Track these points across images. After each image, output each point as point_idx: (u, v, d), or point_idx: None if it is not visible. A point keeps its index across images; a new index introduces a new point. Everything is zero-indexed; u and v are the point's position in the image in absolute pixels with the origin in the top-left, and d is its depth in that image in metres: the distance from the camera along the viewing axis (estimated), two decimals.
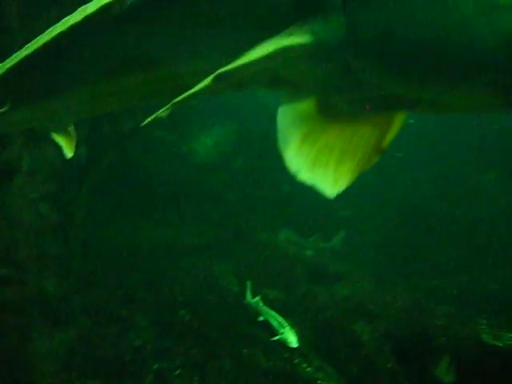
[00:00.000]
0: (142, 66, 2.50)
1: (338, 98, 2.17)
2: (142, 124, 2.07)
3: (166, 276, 7.73)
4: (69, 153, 3.32)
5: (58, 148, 3.36)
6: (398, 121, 2.23)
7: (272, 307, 6.75)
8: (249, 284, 7.05)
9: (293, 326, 6.50)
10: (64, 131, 3.26)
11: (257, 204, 9.09)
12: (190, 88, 2.08)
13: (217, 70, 2.00)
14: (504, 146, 8.29)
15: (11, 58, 2.85)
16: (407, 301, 6.75)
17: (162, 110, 2.04)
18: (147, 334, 6.57)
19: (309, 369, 6.25)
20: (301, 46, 1.92)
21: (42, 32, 2.77)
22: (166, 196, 9.28)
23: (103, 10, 2.54)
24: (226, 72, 1.94)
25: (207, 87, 1.96)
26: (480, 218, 8.68)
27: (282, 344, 6.37)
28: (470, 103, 1.92)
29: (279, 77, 2.16)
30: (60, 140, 3.35)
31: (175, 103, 2.02)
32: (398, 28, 1.78)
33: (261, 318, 6.72)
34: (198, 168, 9.93)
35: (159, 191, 9.34)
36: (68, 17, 2.66)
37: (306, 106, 2.25)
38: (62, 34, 2.62)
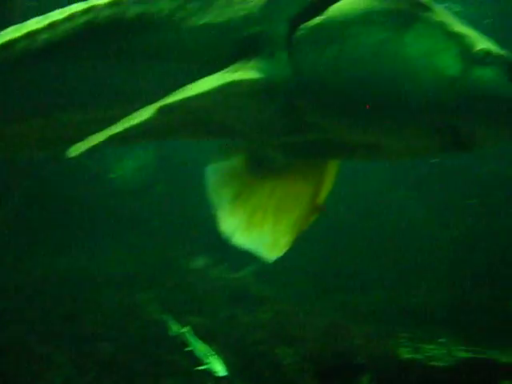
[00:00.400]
0: (43, 111, 2.41)
1: (274, 146, 2.14)
2: (72, 155, 1.96)
3: (88, 307, 7.54)
4: None
5: None
6: (331, 175, 2.25)
7: (196, 334, 6.70)
8: (169, 316, 6.95)
9: (218, 353, 6.47)
10: None
11: (179, 230, 9.02)
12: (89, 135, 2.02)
13: (119, 118, 1.97)
14: (417, 164, 8.58)
15: None
16: (327, 321, 6.87)
17: (94, 141, 1.93)
18: (67, 370, 6.38)
19: None
20: (248, 82, 1.92)
21: None
22: (87, 223, 9.08)
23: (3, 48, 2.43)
24: (170, 104, 1.89)
25: (150, 119, 1.88)
26: (399, 233, 8.92)
27: (207, 372, 6.33)
28: (408, 147, 1.98)
29: (218, 122, 2.11)
30: None
31: (112, 135, 1.91)
32: (343, 69, 1.83)
33: (187, 348, 6.64)
34: (120, 193, 9.77)
35: (79, 218, 9.12)
36: None
37: (236, 162, 2.23)
38: None
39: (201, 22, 2.07)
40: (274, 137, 2.08)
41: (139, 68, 2.16)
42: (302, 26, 1.91)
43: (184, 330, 6.75)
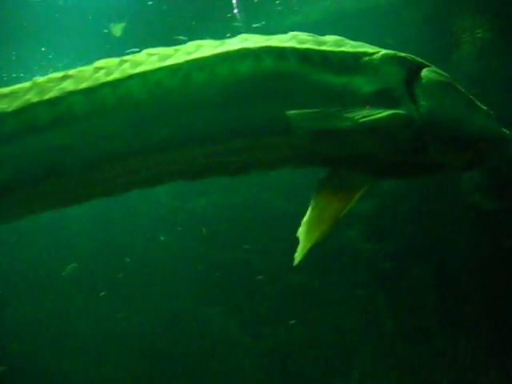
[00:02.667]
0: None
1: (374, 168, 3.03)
2: None
3: None
4: None
5: None
6: (357, 198, 3.06)
7: None
8: None
9: None
10: None
11: None
12: None
13: None
14: (225, 279, 8.75)
15: None
16: None
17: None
18: None
19: None
20: (401, 116, 2.85)
21: None
22: None
23: None
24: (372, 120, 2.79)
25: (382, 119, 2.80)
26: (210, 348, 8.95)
27: None
28: (456, 163, 3.07)
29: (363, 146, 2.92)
30: None
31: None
32: (444, 113, 2.91)
33: None
34: None
35: None
36: None
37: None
38: None
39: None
40: (398, 155, 2.98)
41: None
42: (414, 85, 2.96)
43: None
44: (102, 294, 8.99)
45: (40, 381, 8.48)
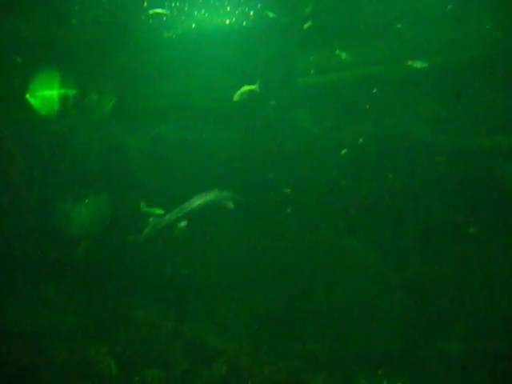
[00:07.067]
0: None
1: None
2: None
3: (39, 365, 7.32)
4: None
5: None
6: None
7: None
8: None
9: None
10: None
11: (132, 280, 8.92)
12: None
13: None
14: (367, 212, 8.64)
15: None
16: (285, 374, 6.84)
17: None
18: None
19: None
20: None
21: None
22: (30, 272, 8.87)
23: None
24: None
25: None
26: (350, 278, 8.94)
27: None
28: None
29: None
30: None
31: None
32: None
33: None
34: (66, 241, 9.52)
35: (22, 267, 8.90)
36: None
37: None
38: None
39: None
40: None
41: None
42: None
43: None
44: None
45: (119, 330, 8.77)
